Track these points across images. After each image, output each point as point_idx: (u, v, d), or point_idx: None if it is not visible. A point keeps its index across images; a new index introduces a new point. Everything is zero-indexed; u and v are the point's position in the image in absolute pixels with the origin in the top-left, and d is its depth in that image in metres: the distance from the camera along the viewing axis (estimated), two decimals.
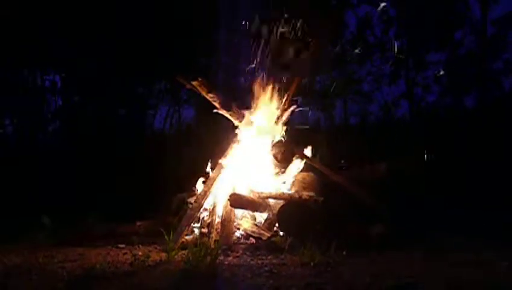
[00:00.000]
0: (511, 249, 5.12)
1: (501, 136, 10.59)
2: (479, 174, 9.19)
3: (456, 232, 6.20)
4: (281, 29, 7.52)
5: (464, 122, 12.41)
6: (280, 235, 5.92)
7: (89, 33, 11.93)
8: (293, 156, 6.92)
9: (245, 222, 6.30)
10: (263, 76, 7.28)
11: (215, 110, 6.84)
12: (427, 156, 10.01)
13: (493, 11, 13.74)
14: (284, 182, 6.86)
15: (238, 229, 6.19)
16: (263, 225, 6.33)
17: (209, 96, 6.61)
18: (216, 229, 5.95)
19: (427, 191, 8.30)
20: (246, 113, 7.08)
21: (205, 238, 5.79)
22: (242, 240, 6.00)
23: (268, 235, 5.97)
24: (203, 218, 6.37)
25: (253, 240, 5.94)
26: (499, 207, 7.54)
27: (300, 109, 7.67)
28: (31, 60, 12.92)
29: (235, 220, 6.22)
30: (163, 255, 5.15)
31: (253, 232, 6.11)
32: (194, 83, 6.43)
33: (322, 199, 6.10)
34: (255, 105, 7.18)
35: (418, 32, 14.14)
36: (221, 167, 6.63)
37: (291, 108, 7.33)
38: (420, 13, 13.70)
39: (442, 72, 13.72)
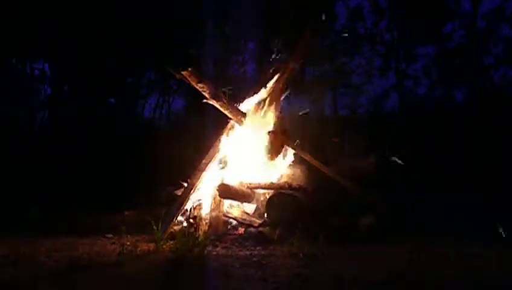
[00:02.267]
0: (498, 243, 5.14)
1: (492, 129, 10.64)
2: (470, 167, 9.23)
3: (445, 226, 6.21)
4: None
5: (453, 115, 12.45)
6: (269, 225, 5.90)
7: (79, 23, 11.83)
8: (283, 147, 6.88)
9: (235, 210, 6.28)
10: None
11: (205, 101, 6.79)
12: (416, 149, 10.02)
13: (484, 4, 13.79)
14: (274, 173, 6.84)
15: (229, 217, 6.16)
16: (253, 214, 6.34)
17: (199, 87, 6.55)
18: (204, 220, 5.93)
19: (417, 184, 8.31)
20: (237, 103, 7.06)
21: (193, 229, 5.78)
22: (231, 231, 5.98)
23: (260, 221, 5.95)
24: (191, 208, 6.35)
25: (241, 231, 5.91)
26: (490, 201, 7.57)
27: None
28: (20, 49, 12.80)
29: (225, 209, 6.20)
30: (152, 245, 5.13)
31: (244, 219, 6.09)
32: (183, 73, 6.36)
33: (311, 187, 6.12)
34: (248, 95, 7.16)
35: (408, 25, 14.16)
36: (210, 158, 6.60)
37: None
38: (411, 6, 13.72)
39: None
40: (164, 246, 5.06)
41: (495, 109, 12.01)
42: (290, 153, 7.02)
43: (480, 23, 13.87)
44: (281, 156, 6.93)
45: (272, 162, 6.92)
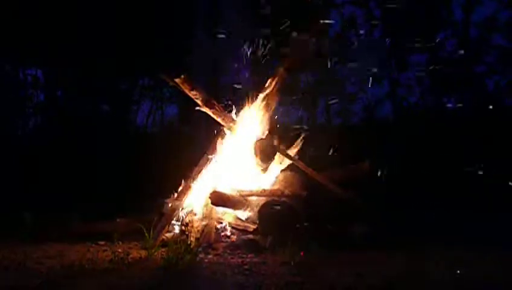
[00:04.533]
0: (491, 250, 5.17)
1: (485, 138, 10.69)
2: (461, 175, 9.26)
3: (437, 233, 6.24)
4: None
5: (446, 123, 12.50)
6: (262, 232, 5.88)
7: (72, 29, 11.82)
8: (275, 154, 6.86)
9: (228, 216, 6.26)
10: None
11: (197, 108, 6.80)
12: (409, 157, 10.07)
13: (476, 14, 13.88)
14: (266, 180, 6.84)
15: (222, 223, 6.14)
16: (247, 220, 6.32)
17: (192, 94, 6.56)
18: (196, 227, 5.91)
19: (409, 191, 8.35)
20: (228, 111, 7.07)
21: (185, 236, 5.77)
22: (223, 238, 5.96)
23: (254, 227, 5.92)
24: (183, 216, 6.33)
25: (234, 238, 5.90)
26: (483, 209, 7.61)
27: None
28: (13, 54, 12.78)
29: (217, 215, 6.18)
30: (143, 252, 5.12)
31: (238, 225, 6.07)
32: (176, 80, 6.37)
33: (305, 193, 6.12)
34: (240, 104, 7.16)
35: (401, 33, 14.21)
36: (202, 165, 6.60)
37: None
38: (404, 15, 13.78)
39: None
40: (156, 254, 5.06)
41: (487, 115, 12.10)
42: (282, 160, 7.01)
43: (473, 32, 13.96)
44: (273, 163, 6.93)
45: (264, 169, 6.92)
